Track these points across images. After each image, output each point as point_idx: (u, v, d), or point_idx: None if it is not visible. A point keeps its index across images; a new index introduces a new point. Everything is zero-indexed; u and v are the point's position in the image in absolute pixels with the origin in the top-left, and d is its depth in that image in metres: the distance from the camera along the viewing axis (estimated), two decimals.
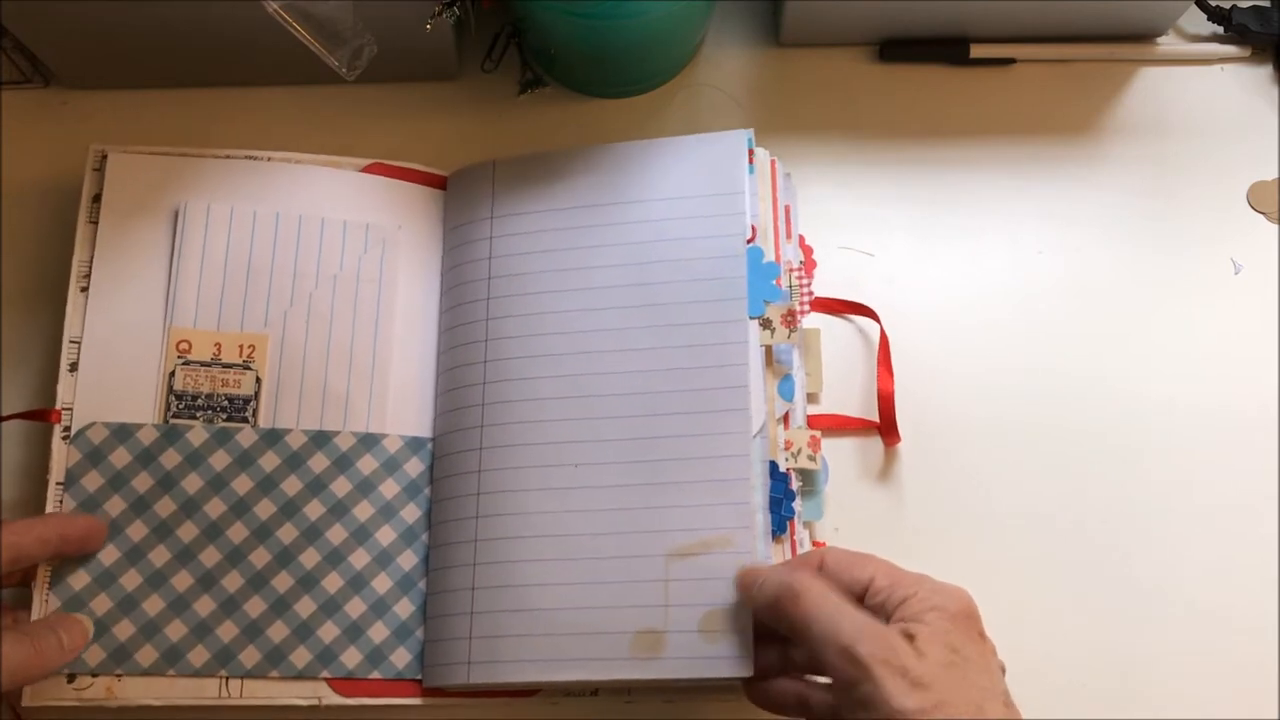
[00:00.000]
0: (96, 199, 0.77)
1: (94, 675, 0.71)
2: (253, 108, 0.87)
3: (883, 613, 0.60)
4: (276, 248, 0.77)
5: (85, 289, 0.75)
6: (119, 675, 0.71)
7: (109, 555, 0.72)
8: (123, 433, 0.73)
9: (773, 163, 0.78)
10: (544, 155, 0.79)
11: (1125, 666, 0.74)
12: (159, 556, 0.72)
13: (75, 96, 0.87)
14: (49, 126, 0.86)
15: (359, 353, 0.76)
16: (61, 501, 0.72)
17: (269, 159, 0.79)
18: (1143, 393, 0.80)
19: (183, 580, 0.72)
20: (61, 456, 0.73)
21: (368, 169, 0.80)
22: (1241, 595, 0.75)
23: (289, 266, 0.77)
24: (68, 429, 0.73)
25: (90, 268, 0.76)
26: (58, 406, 0.74)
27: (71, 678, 0.71)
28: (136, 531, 0.72)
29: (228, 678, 0.71)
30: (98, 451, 0.73)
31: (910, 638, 0.57)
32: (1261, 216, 0.84)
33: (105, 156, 0.77)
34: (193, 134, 0.85)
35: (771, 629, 0.65)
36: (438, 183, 0.81)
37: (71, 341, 0.75)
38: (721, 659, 0.67)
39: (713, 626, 0.67)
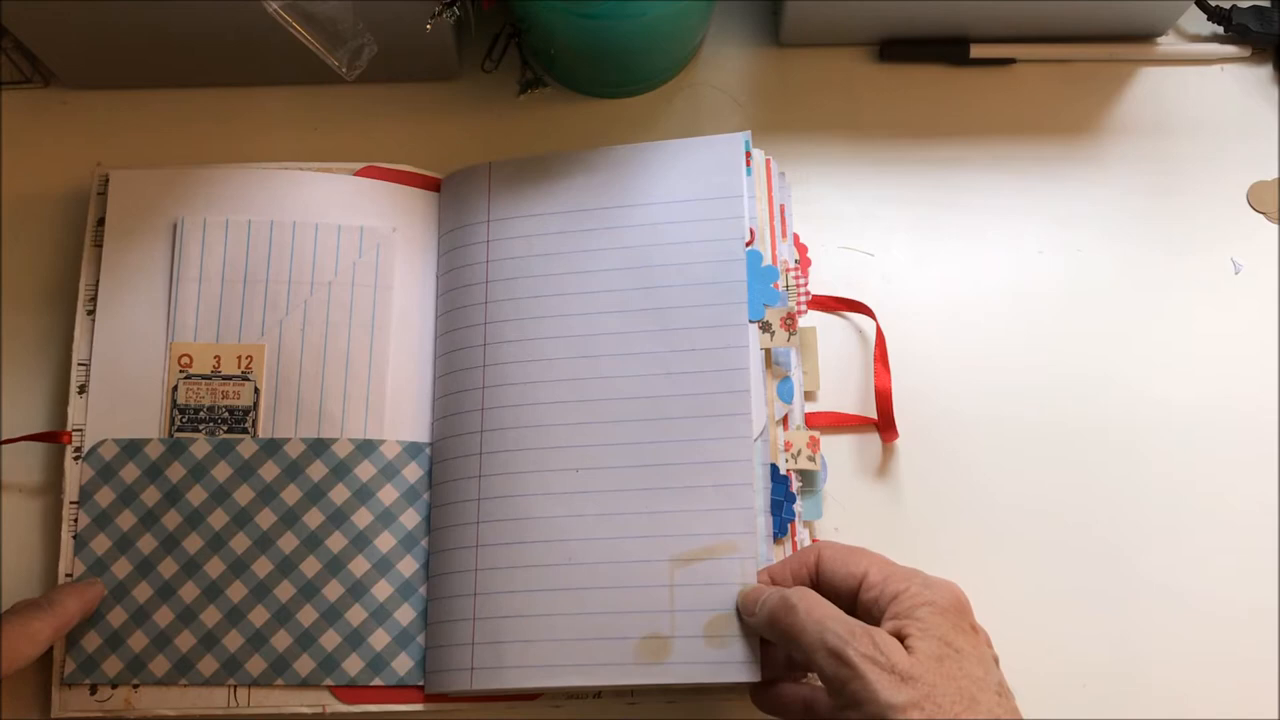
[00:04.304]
0: (100, 222, 0.78)
1: (113, 686, 0.72)
2: (253, 108, 0.86)
3: (876, 608, 0.61)
4: (271, 256, 0.77)
5: (91, 312, 0.76)
6: (135, 686, 0.72)
7: (122, 568, 0.73)
8: (132, 448, 0.74)
9: (768, 162, 0.78)
10: (540, 158, 0.79)
11: (1124, 665, 0.75)
12: (167, 568, 0.73)
13: (75, 96, 0.87)
14: (49, 126, 0.86)
15: (355, 358, 0.76)
16: (76, 519, 0.74)
17: (264, 169, 0.79)
18: (1143, 392, 0.80)
19: (189, 591, 0.73)
20: (75, 476, 0.75)
21: (361, 172, 0.80)
22: (1241, 595, 0.76)
23: (284, 274, 0.77)
24: (78, 449, 0.75)
25: (96, 290, 0.77)
26: (68, 428, 0.75)
27: (94, 689, 0.72)
28: (146, 544, 0.73)
29: (235, 687, 0.72)
30: (109, 468, 0.74)
31: (902, 635, 0.59)
32: (1261, 216, 0.84)
33: (108, 179, 0.78)
34: (192, 134, 0.86)
35: None
36: (432, 185, 0.81)
37: (80, 364, 0.76)
38: (728, 664, 0.67)
39: (718, 631, 0.68)
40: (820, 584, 0.65)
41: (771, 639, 0.65)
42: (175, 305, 0.76)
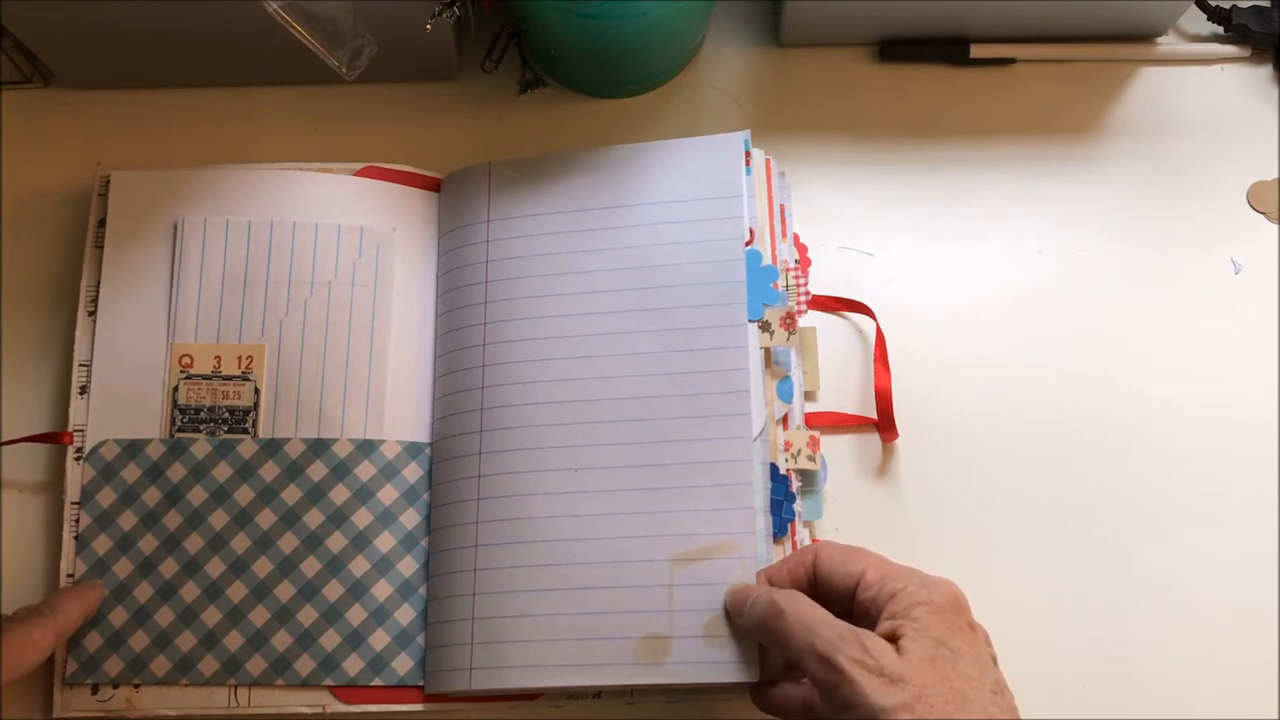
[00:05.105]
0: (101, 223, 0.78)
1: (115, 686, 0.73)
2: (252, 108, 0.87)
3: (873, 607, 0.61)
4: (271, 256, 0.77)
5: (92, 313, 0.77)
6: (137, 685, 0.73)
7: (123, 568, 0.73)
8: (133, 449, 0.75)
9: (768, 162, 0.78)
10: (540, 158, 0.79)
11: (1124, 665, 0.75)
12: (168, 568, 0.73)
13: (75, 96, 0.87)
14: (49, 126, 0.86)
15: (355, 358, 0.76)
16: (78, 519, 0.74)
17: (264, 169, 0.79)
18: (1142, 392, 0.80)
19: (190, 591, 0.73)
20: (76, 476, 0.75)
21: (361, 172, 0.80)
22: (1241, 595, 0.76)
23: (284, 274, 0.77)
24: (79, 449, 0.75)
25: (97, 291, 0.77)
26: (69, 429, 0.75)
27: (95, 689, 0.73)
28: (147, 545, 0.74)
29: (236, 686, 0.72)
30: (110, 468, 0.74)
31: (897, 634, 0.59)
32: (1261, 216, 0.84)
33: (109, 180, 0.79)
34: (193, 134, 0.86)
35: None
36: (432, 185, 0.81)
37: (81, 365, 0.76)
38: (727, 664, 0.67)
39: (718, 631, 0.68)
40: (818, 584, 0.65)
41: (763, 642, 0.65)
42: (176, 306, 0.76)
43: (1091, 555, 0.76)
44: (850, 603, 0.63)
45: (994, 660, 0.60)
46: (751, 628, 0.65)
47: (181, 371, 0.75)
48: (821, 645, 0.59)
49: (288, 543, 0.73)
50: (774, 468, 0.72)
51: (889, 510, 0.78)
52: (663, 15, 0.76)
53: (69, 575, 0.74)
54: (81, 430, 0.75)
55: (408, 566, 0.73)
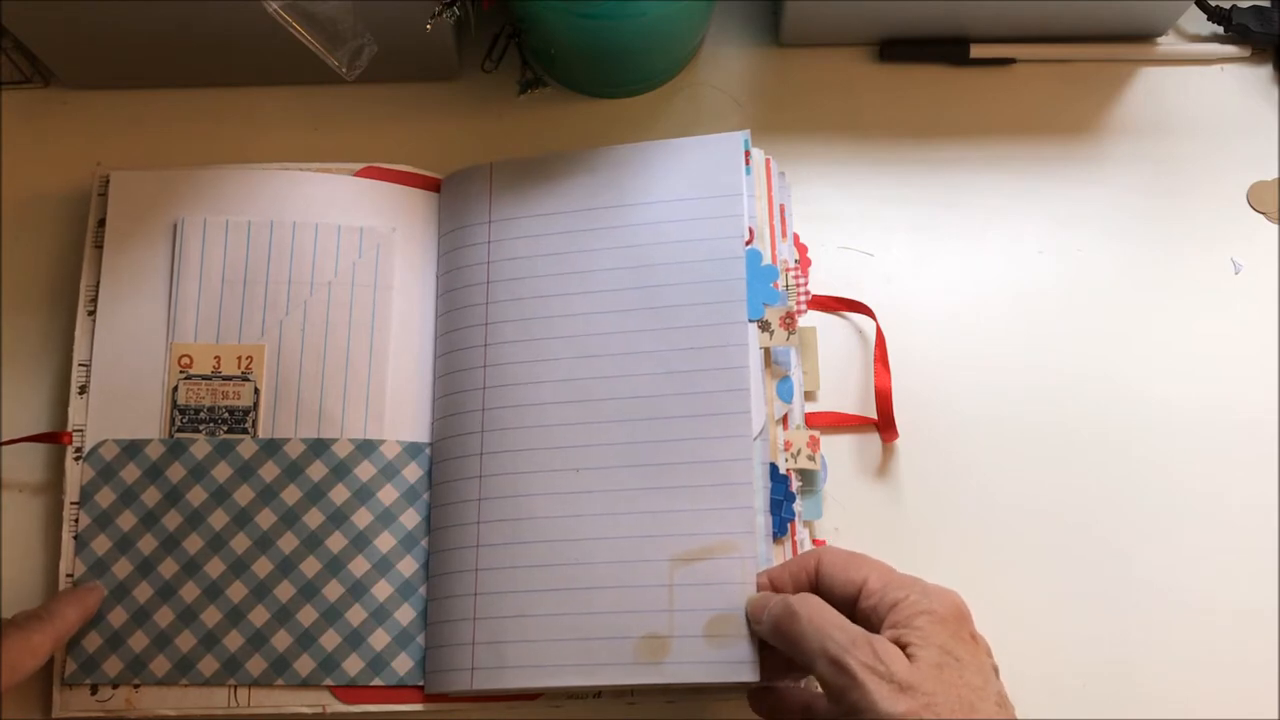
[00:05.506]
0: (101, 223, 0.78)
1: (114, 686, 0.73)
2: (252, 108, 0.87)
3: (875, 616, 0.61)
4: (271, 257, 0.77)
5: (92, 312, 0.77)
6: (136, 686, 0.72)
7: (123, 569, 0.73)
8: (132, 449, 0.75)
9: (768, 162, 0.78)
10: (541, 158, 0.79)
11: (1124, 665, 0.75)
12: (168, 569, 0.73)
13: (75, 96, 0.87)
14: (49, 126, 0.86)
15: (355, 358, 0.76)
16: (77, 519, 0.74)
17: (264, 169, 0.79)
18: (1142, 392, 0.80)
19: (190, 591, 0.73)
20: (75, 476, 0.75)
21: (361, 173, 0.80)
22: (1241, 595, 0.76)
23: (284, 275, 0.77)
24: (79, 449, 0.75)
25: (96, 291, 0.77)
26: (69, 429, 0.75)
27: (94, 689, 0.72)
28: (147, 545, 0.74)
29: (236, 686, 0.72)
30: (109, 468, 0.74)
31: (902, 643, 0.59)
32: (1261, 216, 0.84)
33: (108, 180, 0.79)
34: (192, 134, 0.86)
35: None
36: (432, 185, 0.81)
37: (80, 365, 0.76)
38: (727, 664, 0.67)
39: (718, 631, 0.68)
40: (819, 590, 0.65)
41: (778, 646, 0.65)
42: (175, 306, 0.76)
43: (1091, 555, 0.76)
44: (852, 610, 0.63)
45: (996, 672, 0.60)
46: (767, 632, 0.65)
47: (181, 371, 0.75)
48: (833, 648, 0.58)
49: (288, 543, 0.73)
50: (774, 467, 0.72)
51: (889, 510, 0.78)
52: (663, 15, 0.76)
53: (68, 575, 0.74)
54: (81, 430, 0.75)
55: (408, 566, 0.73)
